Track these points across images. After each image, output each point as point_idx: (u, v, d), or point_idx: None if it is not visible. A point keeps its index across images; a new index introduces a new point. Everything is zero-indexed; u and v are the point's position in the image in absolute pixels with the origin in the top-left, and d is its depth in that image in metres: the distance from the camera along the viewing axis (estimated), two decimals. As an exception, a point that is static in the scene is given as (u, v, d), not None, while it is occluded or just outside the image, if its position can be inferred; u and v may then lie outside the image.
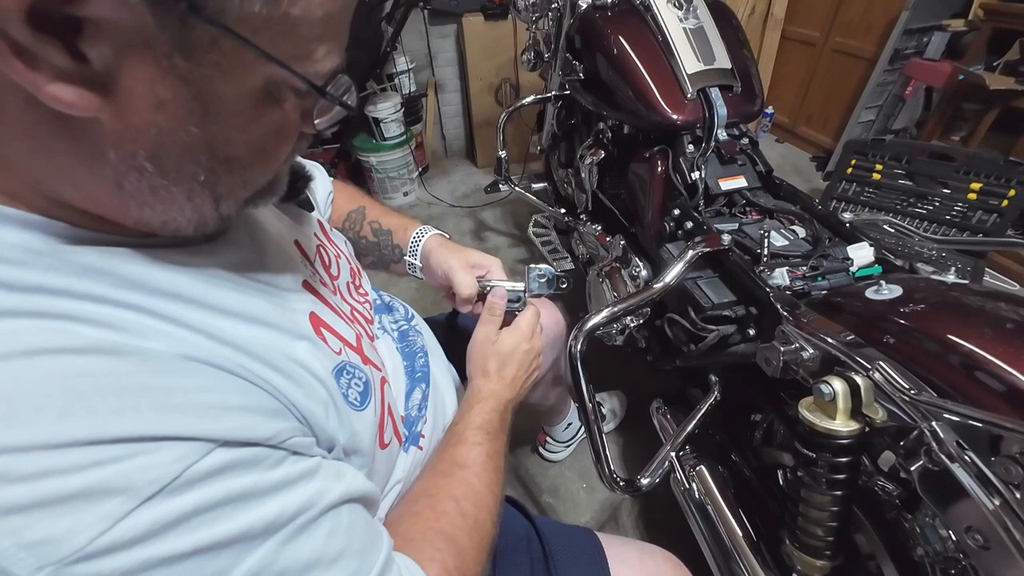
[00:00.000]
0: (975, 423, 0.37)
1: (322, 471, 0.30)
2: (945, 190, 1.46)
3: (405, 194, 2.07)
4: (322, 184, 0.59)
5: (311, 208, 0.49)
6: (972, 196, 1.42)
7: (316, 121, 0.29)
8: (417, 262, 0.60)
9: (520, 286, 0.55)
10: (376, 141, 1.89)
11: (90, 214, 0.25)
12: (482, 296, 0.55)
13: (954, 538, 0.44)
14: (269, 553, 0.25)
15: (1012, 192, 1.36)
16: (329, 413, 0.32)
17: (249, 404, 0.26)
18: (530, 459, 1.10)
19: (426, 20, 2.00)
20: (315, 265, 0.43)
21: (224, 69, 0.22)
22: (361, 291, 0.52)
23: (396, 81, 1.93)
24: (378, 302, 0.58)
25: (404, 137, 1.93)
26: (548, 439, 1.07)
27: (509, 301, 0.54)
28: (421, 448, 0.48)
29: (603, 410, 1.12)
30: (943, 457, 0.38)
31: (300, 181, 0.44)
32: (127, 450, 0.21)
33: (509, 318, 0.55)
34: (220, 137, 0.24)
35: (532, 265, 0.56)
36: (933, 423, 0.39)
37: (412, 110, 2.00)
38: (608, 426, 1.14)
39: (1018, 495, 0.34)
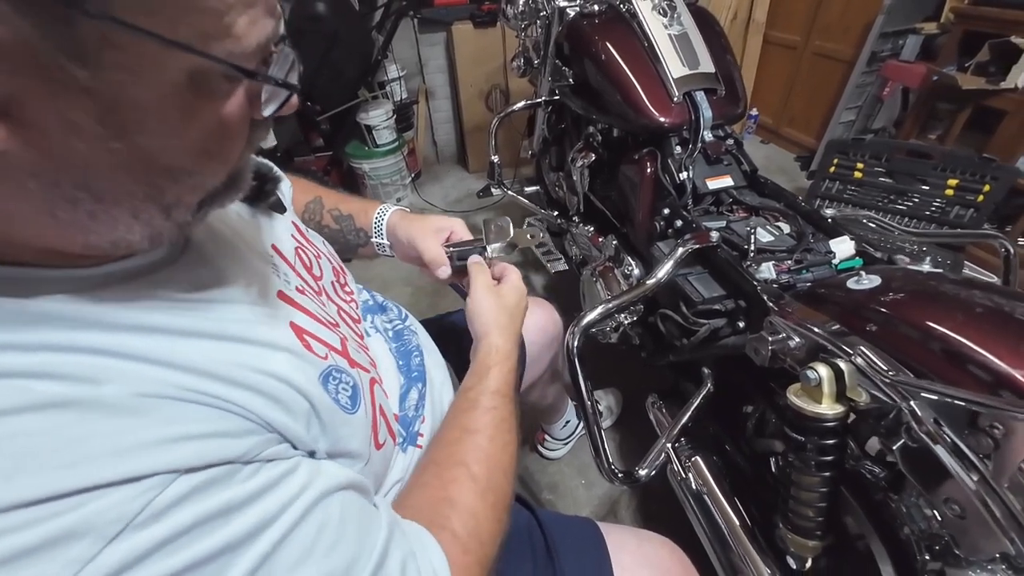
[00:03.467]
0: (950, 400, 0.39)
1: (302, 467, 0.29)
2: (924, 187, 1.51)
3: (398, 200, 2.08)
4: (285, 183, 0.57)
5: (283, 209, 0.48)
6: (949, 192, 1.47)
7: (264, 108, 0.26)
8: (384, 240, 0.59)
9: (479, 242, 0.55)
10: (369, 148, 1.91)
11: (39, 249, 0.24)
12: (456, 268, 0.55)
13: (937, 516, 0.47)
14: (258, 555, 0.24)
15: (987, 187, 1.41)
16: (311, 424, 0.31)
17: (214, 430, 0.25)
18: (529, 457, 1.12)
19: (416, 29, 2.03)
20: (296, 268, 0.43)
21: (129, 69, 0.19)
22: (347, 290, 0.52)
23: (388, 89, 1.95)
24: (370, 303, 0.58)
25: (396, 144, 1.94)
26: (547, 437, 1.09)
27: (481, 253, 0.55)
28: (420, 447, 0.48)
29: (600, 407, 1.14)
30: (921, 434, 0.41)
31: (269, 183, 0.44)
32: (84, 499, 0.21)
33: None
34: (152, 148, 0.22)
35: (496, 220, 0.56)
36: (912, 402, 0.41)
37: (404, 117, 2.02)
38: (605, 423, 1.16)
39: (990, 465, 0.37)
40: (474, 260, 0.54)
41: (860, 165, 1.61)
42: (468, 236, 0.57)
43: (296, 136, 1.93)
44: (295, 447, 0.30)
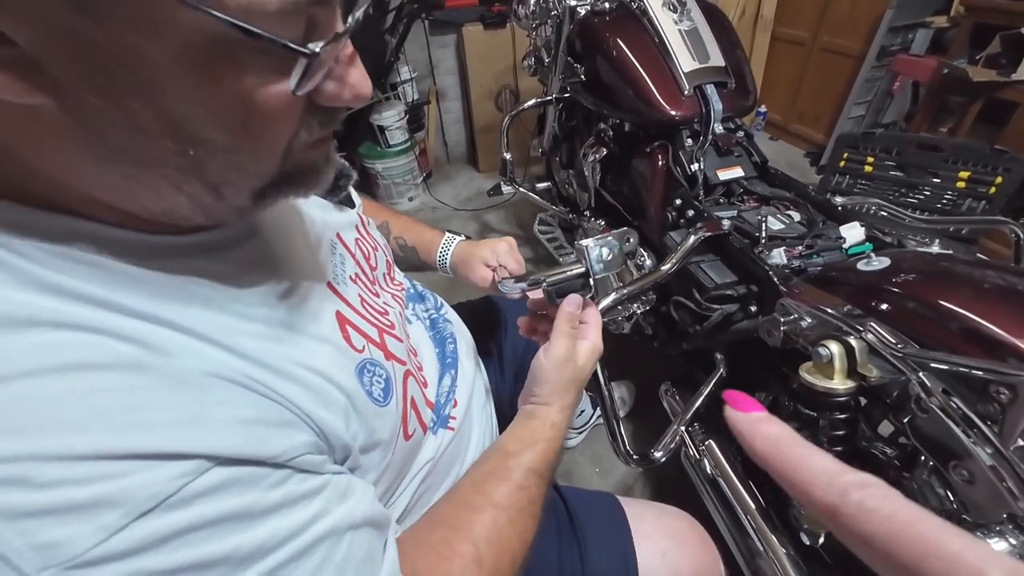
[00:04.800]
0: (958, 369, 0.41)
1: (327, 491, 0.29)
2: (935, 180, 1.51)
3: (410, 199, 2.12)
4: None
5: (353, 204, 0.51)
6: (961, 184, 1.47)
7: (321, 90, 0.25)
8: (449, 272, 0.64)
9: (580, 269, 0.46)
10: (381, 148, 1.94)
11: (114, 208, 0.25)
12: (532, 294, 0.49)
13: (947, 492, 0.48)
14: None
15: (999, 179, 1.40)
16: (349, 418, 0.32)
17: (261, 417, 0.26)
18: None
19: (427, 31, 2.06)
20: (356, 257, 0.45)
21: (137, 26, 0.19)
22: (395, 282, 0.55)
23: (399, 90, 1.99)
24: (411, 291, 0.60)
25: (408, 144, 1.98)
26: (561, 426, 1.10)
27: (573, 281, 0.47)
28: (452, 428, 0.49)
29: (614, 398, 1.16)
30: (931, 404, 0.42)
31: (343, 179, 0.46)
32: (132, 466, 0.22)
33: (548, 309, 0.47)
34: (173, 114, 0.21)
35: (583, 242, 0.47)
36: (920, 374, 0.43)
37: (415, 118, 2.06)
38: (619, 414, 1.18)
39: (996, 429, 0.38)
40: (568, 307, 0.45)
41: (870, 159, 1.61)
42: (515, 257, 0.57)
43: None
44: (333, 456, 0.31)
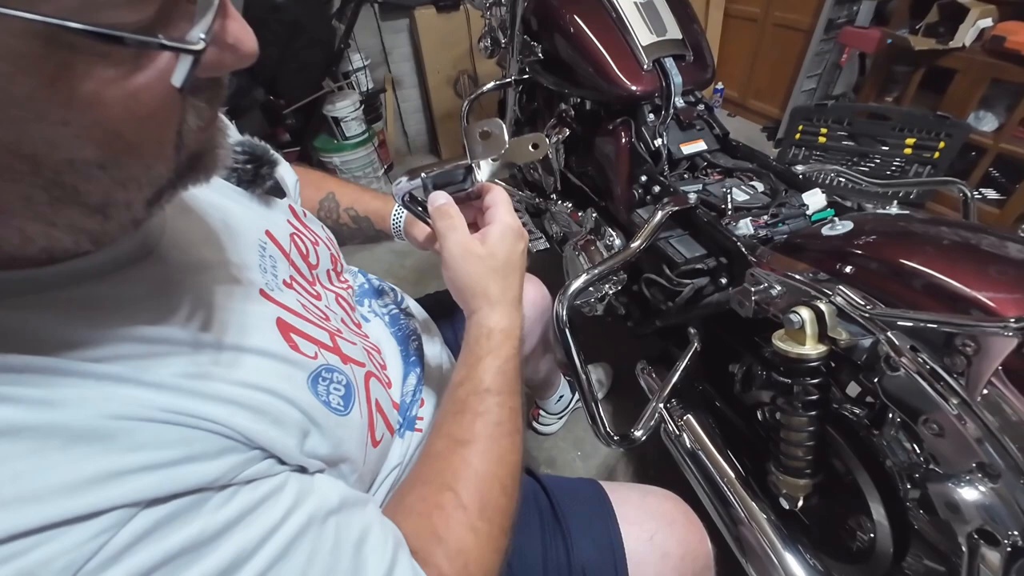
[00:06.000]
0: (925, 325, 0.41)
1: (289, 486, 0.27)
2: (884, 147, 1.57)
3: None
4: (287, 169, 0.54)
5: (282, 194, 0.45)
6: (908, 151, 1.53)
7: (200, 63, 0.20)
8: (405, 240, 0.59)
9: (463, 162, 0.40)
10: (338, 141, 1.86)
11: None
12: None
13: (918, 450, 0.49)
14: None
15: (942, 144, 1.47)
16: (308, 434, 0.29)
17: (189, 453, 0.23)
18: (525, 434, 1.13)
19: (377, 15, 1.98)
20: (290, 255, 0.41)
21: None
22: (343, 278, 0.51)
23: (352, 79, 1.90)
24: (367, 286, 0.58)
25: (366, 135, 1.91)
26: (541, 412, 1.10)
27: (458, 184, 0.42)
28: (419, 430, 0.47)
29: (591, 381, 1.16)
30: (900, 362, 0.43)
31: (265, 166, 0.42)
32: (25, 544, 0.18)
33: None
34: (26, 141, 0.17)
35: (468, 125, 0.42)
36: (889, 333, 0.44)
37: (371, 107, 1.98)
38: (597, 395, 1.18)
39: (963, 382, 0.39)
40: (434, 204, 0.40)
41: (824, 130, 1.66)
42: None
43: (263, 132, 1.87)
44: (282, 462, 0.28)
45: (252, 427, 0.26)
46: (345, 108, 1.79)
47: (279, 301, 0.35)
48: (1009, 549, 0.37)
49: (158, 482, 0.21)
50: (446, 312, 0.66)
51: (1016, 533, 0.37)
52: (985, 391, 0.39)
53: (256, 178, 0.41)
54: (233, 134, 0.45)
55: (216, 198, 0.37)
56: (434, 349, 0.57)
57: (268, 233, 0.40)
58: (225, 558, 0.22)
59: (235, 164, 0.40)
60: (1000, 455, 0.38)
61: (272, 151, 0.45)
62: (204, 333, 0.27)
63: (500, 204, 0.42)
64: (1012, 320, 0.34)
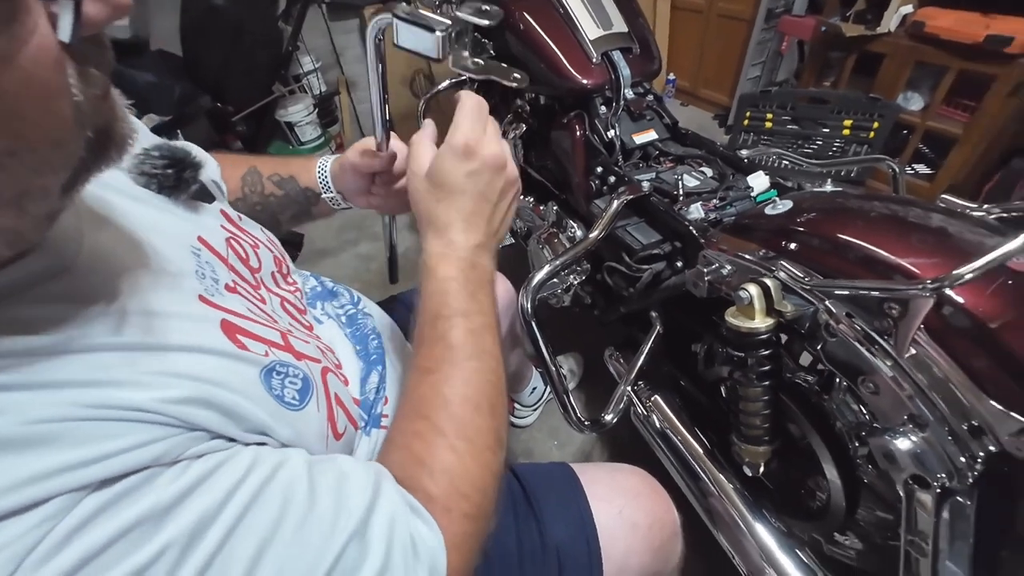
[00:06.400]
0: (856, 292, 0.44)
1: (249, 449, 0.27)
2: (825, 129, 1.66)
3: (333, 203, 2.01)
4: (211, 165, 0.51)
5: (210, 198, 0.43)
6: (846, 132, 1.62)
7: (59, 29, 0.19)
8: (334, 193, 0.57)
9: (444, 21, 0.38)
10: (293, 147, 1.82)
11: None
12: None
13: (863, 410, 0.53)
14: (206, 554, 0.22)
15: (876, 124, 1.57)
16: (263, 426, 0.29)
17: (131, 443, 0.23)
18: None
19: (326, 16, 1.93)
20: (228, 260, 0.40)
21: None
22: (290, 280, 0.50)
23: (304, 82, 1.86)
24: (319, 289, 0.57)
25: (322, 139, 1.87)
26: (516, 405, 1.11)
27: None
28: (385, 428, 0.47)
29: (562, 371, 1.18)
30: (837, 328, 0.46)
31: (188, 170, 0.40)
32: None
33: None
34: None
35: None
36: (827, 302, 0.47)
37: (326, 111, 1.94)
38: (569, 385, 1.20)
39: (893, 342, 0.42)
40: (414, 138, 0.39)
41: (770, 115, 1.74)
42: (385, 157, 0.52)
43: (211, 140, 1.80)
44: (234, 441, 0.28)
45: (194, 413, 0.25)
46: (298, 112, 1.75)
47: (222, 306, 0.34)
48: (939, 490, 0.41)
49: (102, 469, 0.21)
50: (408, 311, 0.66)
51: (943, 476, 0.41)
52: (913, 351, 0.42)
53: (179, 183, 0.39)
54: (148, 137, 0.43)
55: (137, 208, 0.35)
56: (395, 346, 0.56)
57: (201, 239, 0.38)
58: (190, 520, 0.23)
59: (153, 170, 0.38)
60: (927, 407, 0.41)
61: (195, 154, 0.43)
62: (135, 338, 0.26)
63: (458, 117, 0.40)
64: (929, 281, 0.37)
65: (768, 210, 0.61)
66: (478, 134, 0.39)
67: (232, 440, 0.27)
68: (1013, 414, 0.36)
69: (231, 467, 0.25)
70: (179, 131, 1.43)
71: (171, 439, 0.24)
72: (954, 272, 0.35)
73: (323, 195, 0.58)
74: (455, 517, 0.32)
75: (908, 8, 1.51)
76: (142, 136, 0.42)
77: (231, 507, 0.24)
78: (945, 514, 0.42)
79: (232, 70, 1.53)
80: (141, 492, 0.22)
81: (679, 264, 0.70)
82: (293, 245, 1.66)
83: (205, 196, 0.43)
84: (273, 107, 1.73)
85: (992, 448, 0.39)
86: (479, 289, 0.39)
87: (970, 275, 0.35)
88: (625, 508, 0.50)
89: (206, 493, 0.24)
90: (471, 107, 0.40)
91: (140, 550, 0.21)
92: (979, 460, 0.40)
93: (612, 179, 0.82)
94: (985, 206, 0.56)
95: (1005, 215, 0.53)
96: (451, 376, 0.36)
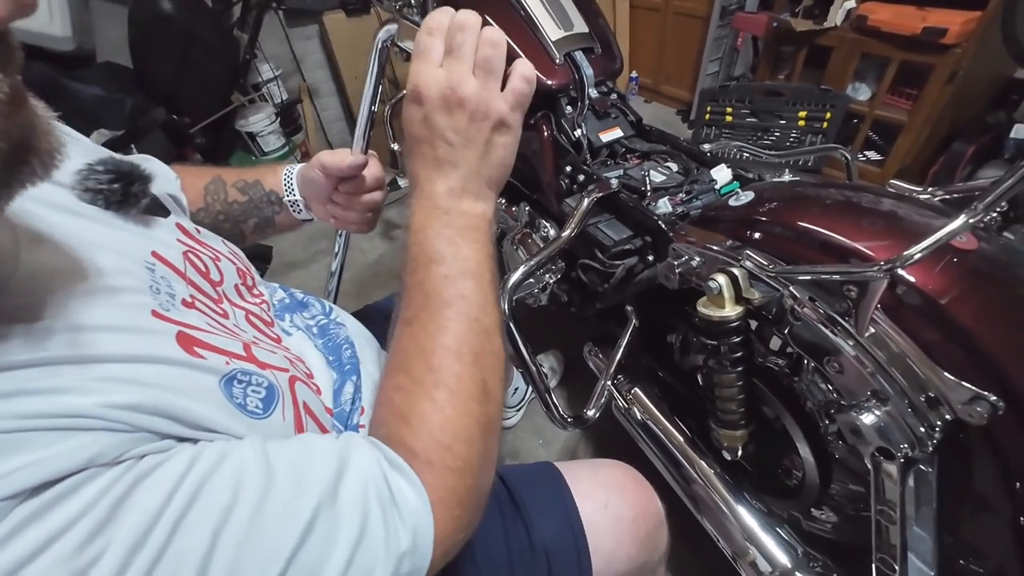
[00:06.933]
0: (817, 277, 0.46)
1: (199, 443, 0.26)
2: (781, 121, 1.73)
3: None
4: (166, 178, 0.50)
5: (164, 212, 0.42)
6: (802, 123, 1.69)
7: None
8: (298, 197, 0.56)
9: None
10: (256, 157, 1.77)
11: None
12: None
13: (830, 388, 0.56)
14: (154, 551, 0.22)
15: (828, 114, 1.64)
16: (221, 431, 0.29)
17: (68, 447, 0.22)
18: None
19: (283, 22, 1.89)
20: (187, 275, 0.38)
21: None
22: (255, 292, 0.49)
23: (264, 90, 1.81)
24: (287, 300, 0.55)
25: (286, 149, 1.83)
26: (499, 408, 1.11)
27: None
28: None
29: (543, 369, 1.19)
30: (801, 312, 0.48)
31: (136, 183, 0.38)
32: None
33: None
34: None
35: None
36: (791, 288, 0.49)
37: (289, 119, 1.90)
38: (551, 383, 1.21)
39: (854, 322, 0.44)
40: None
41: (729, 109, 1.79)
42: (357, 159, 0.51)
43: (168, 154, 1.73)
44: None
45: (139, 418, 0.25)
46: (260, 122, 1.70)
47: (177, 320, 0.33)
48: (902, 460, 0.43)
49: (28, 475, 0.21)
50: (384, 319, 0.65)
51: (906, 446, 0.43)
52: (872, 330, 0.45)
53: (127, 198, 0.38)
54: (93, 151, 0.41)
55: (80, 225, 0.34)
56: (370, 355, 0.56)
57: (155, 254, 0.37)
58: (134, 518, 0.22)
59: (99, 185, 0.37)
60: (887, 382, 0.43)
61: (144, 168, 0.41)
62: (59, 351, 0.25)
63: (434, 17, 0.38)
64: (882, 263, 0.39)
65: (732, 202, 0.63)
66: (427, 76, 0.37)
67: (184, 440, 0.26)
68: (964, 383, 0.39)
69: (175, 461, 0.24)
70: (133, 145, 1.37)
71: (107, 440, 0.23)
72: (904, 253, 0.37)
73: (286, 198, 0.57)
74: (438, 470, 0.31)
75: (851, 3, 1.58)
76: (86, 151, 0.40)
77: (177, 499, 0.23)
78: (910, 482, 0.44)
79: (186, 80, 1.47)
80: (79, 494, 0.21)
81: (650, 258, 0.72)
82: (262, 259, 1.61)
83: (158, 210, 0.41)
84: (233, 117, 1.68)
85: (948, 417, 0.41)
86: (459, 235, 0.37)
87: (919, 255, 0.37)
88: (610, 502, 0.50)
89: (150, 489, 0.23)
90: (418, 46, 0.38)
91: (82, 552, 0.21)
92: (937, 429, 0.42)
93: (581, 177, 0.83)
94: (930, 189, 0.59)
95: (948, 197, 0.57)
96: (427, 324, 0.35)
